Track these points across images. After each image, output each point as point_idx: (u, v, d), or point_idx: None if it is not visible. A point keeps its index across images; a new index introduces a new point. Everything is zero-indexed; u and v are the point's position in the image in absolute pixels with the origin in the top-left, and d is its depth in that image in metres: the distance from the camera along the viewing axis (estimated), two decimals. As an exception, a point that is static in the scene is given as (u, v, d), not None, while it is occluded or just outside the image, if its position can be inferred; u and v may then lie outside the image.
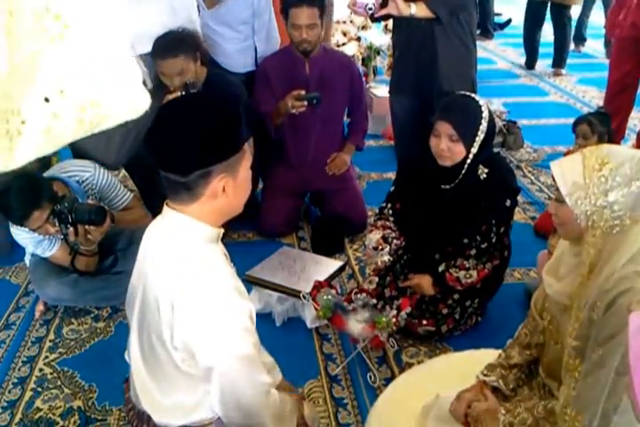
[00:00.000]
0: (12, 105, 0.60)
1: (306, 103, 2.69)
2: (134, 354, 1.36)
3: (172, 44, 2.51)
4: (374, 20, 2.69)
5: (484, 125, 2.07)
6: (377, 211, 3.19)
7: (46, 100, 0.63)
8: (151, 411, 1.35)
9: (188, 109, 1.20)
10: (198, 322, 1.18)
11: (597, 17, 6.90)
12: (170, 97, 2.48)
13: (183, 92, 2.43)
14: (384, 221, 2.36)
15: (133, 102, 0.70)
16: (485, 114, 2.08)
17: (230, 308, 1.19)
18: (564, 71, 5.89)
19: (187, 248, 1.22)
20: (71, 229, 2.23)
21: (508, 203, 2.14)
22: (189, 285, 1.19)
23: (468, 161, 2.10)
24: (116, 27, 0.67)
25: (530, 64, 6.15)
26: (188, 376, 1.26)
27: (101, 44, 0.66)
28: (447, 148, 2.06)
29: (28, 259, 2.49)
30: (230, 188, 1.21)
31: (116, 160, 2.71)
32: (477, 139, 2.07)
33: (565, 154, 2.98)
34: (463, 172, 2.12)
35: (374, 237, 2.27)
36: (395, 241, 2.30)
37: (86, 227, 2.25)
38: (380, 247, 2.25)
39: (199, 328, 1.18)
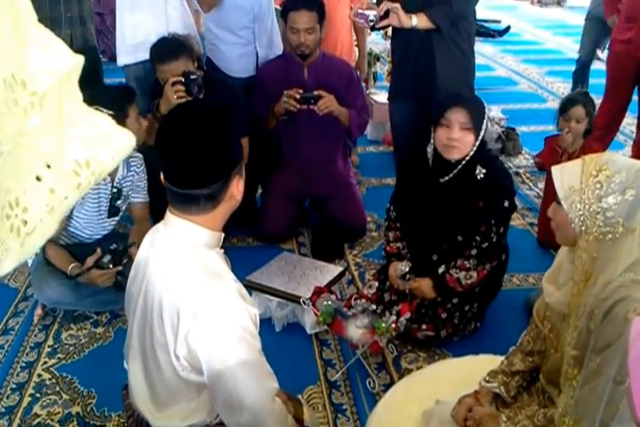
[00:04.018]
0: (8, 198, 0.56)
1: (298, 97, 2.69)
2: (134, 361, 1.36)
3: (170, 48, 2.53)
4: (374, 29, 2.70)
5: (487, 121, 2.12)
6: (376, 216, 3.23)
7: (38, 178, 0.58)
8: (149, 417, 1.35)
9: (191, 124, 1.19)
10: (204, 329, 1.18)
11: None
12: (162, 105, 2.48)
13: (182, 80, 2.44)
14: (394, 231, 2.38)
15: (119, 145, 0.66)
16: (487, 111, 2.15)
17: (235, 314, 1.19)
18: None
19: (191, 255, 1.23)
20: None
21: (506, 204, 2.16)
22: (194, 292, 1.19)
23: (471, 153, 2.10)
24: (75, 82, 0.63)
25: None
26: (187, 383, 1.26)
27: (68, 103, 0.61)
28: (458, 137, 2.06)
29: (30, 259, 2.48)
30: (241, 185, 1.24)
31: None
32: (481, 133, 2.10)
33: (550, 140, 2.88)
34: (459, 167, 2.12)
35: (404, 268, 2.28)
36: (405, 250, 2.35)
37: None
38: (408, 277, 2.28)
39: (205, 335, 1.18)
